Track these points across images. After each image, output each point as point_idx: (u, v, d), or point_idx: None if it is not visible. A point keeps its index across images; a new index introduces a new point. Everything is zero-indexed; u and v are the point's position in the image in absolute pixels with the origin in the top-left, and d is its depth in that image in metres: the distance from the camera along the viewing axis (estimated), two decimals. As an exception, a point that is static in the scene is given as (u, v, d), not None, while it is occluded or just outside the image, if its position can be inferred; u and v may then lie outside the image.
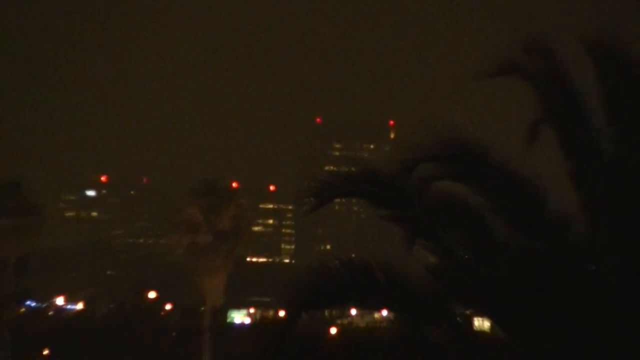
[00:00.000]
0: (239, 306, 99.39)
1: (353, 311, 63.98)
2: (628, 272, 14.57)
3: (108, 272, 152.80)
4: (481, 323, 15.98)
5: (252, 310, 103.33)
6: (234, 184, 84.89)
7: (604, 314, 14.44)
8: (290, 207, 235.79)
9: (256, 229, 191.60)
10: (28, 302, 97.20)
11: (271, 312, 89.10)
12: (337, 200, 16.01)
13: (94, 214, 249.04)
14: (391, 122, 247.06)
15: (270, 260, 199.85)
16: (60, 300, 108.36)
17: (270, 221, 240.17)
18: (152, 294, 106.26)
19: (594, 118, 15.52)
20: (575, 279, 14.68)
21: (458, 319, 15.24)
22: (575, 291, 14.60)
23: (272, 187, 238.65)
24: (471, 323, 15.82)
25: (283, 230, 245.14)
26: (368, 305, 17.27)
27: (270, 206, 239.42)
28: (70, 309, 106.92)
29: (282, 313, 16.07)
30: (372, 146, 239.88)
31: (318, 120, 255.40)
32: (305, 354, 15.88)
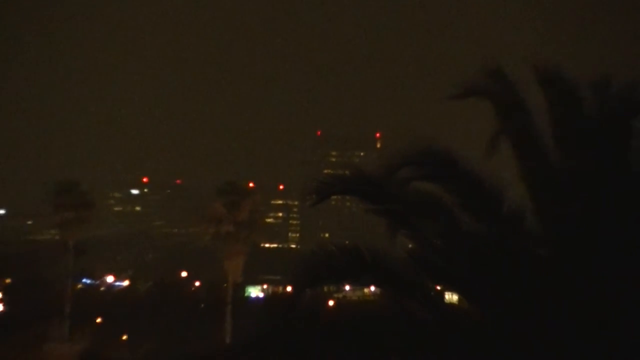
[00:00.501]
0: (254, 283, 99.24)
1: (347, 287, 63.36)
2: (571, 254, 14.56)
3: (150, 255, 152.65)
4: (450, 297, 15.87)
5: (265, 287, 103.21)
6: (251, 184, 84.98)
7: (552, 289, 14.39)
8: (296, 203, 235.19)
9: (268, 220, 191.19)
10: (84, 280, 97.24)
11: (281, 288, 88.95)
12: (334, 197, 15.93)
13: (137, 208, 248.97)
14: (377, 134, 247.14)
15: (279, 246, 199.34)
16: (110, 278, 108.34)
17: (280, 214, 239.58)
18: (184, 273, 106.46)
19: (543, 131, 15.51)
20: (528, 260, 14.63)
21: (432, 293, 15.17)
22: (527, 270, 14.54)
23: (281, 187, 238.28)
24: (442, 296, 15.72)
25: (290, 222, 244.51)
26: (359, 282, 17.10)
27: (280, 202, 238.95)
28: (118, 285, 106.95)
29: (289, 288, 15.94)
30: (362, 154, 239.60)
31: (318, 133, 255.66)
32: (308, 322, 15.63)
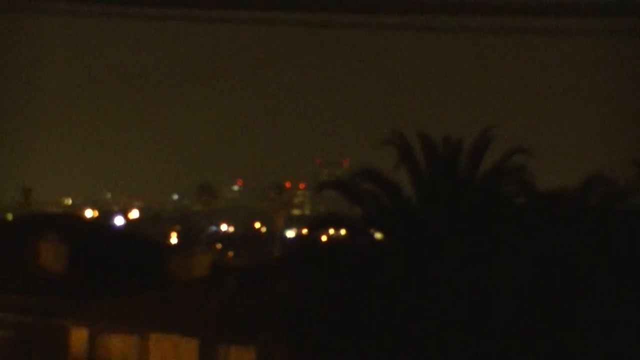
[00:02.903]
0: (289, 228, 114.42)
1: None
2: (445, 240, 20.12)
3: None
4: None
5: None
6: (287, 184, 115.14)
7: (439, 265, 19.71)
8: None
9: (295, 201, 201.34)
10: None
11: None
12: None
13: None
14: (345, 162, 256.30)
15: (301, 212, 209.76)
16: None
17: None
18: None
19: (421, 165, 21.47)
20: (418, 245, 20.54)
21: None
22: (418, 252, 20.30)
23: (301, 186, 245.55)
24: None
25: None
26: (341, 227, 23.07)
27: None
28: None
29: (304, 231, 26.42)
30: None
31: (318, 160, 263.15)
32: (311, 246, 23.93)
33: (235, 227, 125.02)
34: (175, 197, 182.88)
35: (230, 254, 70.34)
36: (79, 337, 34.98)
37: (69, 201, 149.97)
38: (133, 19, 25.93)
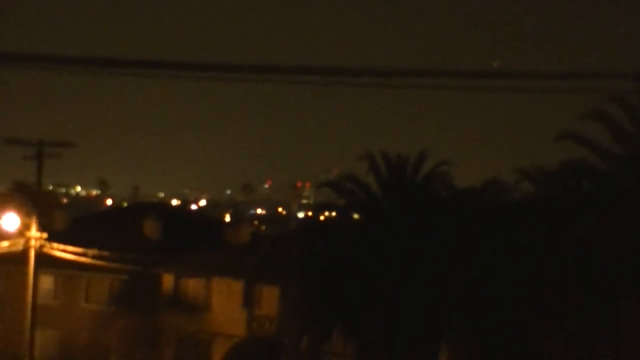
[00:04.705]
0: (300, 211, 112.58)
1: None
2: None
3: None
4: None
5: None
6: (299, 184, 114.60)
7: (394, 236, 19.43)
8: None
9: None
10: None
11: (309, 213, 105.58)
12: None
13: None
14: (335, 170, 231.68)
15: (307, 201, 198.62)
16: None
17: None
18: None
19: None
20: (381, 223, 20.40)
21: None
22: (381, 228, 20.04)
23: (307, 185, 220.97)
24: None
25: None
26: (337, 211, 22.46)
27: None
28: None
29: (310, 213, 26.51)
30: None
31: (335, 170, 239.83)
32: (313, 223, 23.59)
33: (266, 211, 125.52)
34: (228, 192, 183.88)
35: (263, 228, 70.66)
36: (167, 280, 35.08)
37: (162, 194, 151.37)
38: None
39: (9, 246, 29.86)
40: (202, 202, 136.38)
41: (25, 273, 29.24)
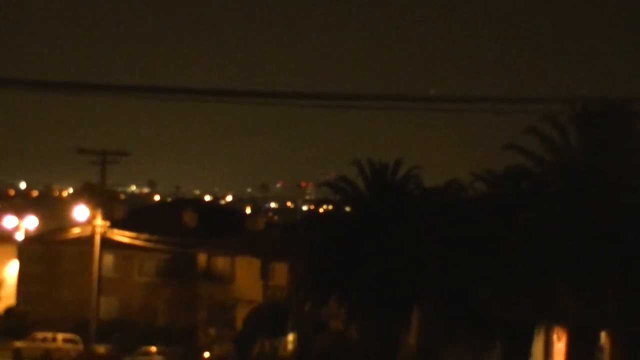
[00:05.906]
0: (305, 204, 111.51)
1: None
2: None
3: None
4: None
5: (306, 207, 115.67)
6: (303, 183, 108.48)
7: (377, 224, 18.94)
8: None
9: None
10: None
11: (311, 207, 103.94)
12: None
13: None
14: (332, 173, 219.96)
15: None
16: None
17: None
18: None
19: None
20: (367, 214, 19.70)
21: None
22: (367, 218, 19.47)
23: (309, 184, 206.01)
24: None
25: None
26: (333, 205, 21.91)
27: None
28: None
29: (312, 207, 25.65)
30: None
31: (332, 173, 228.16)
32: (314, 215, 22.53)
33: (278, 205, 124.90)
34: (249, 190, 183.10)
35: (276, 218, 70.33)
36: (201, 258, 34.35)
37: (197, 192, 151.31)
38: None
39: (80, 232, 32.16)
40: (229, 198, 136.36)
41: (92, 253, 30.21)
